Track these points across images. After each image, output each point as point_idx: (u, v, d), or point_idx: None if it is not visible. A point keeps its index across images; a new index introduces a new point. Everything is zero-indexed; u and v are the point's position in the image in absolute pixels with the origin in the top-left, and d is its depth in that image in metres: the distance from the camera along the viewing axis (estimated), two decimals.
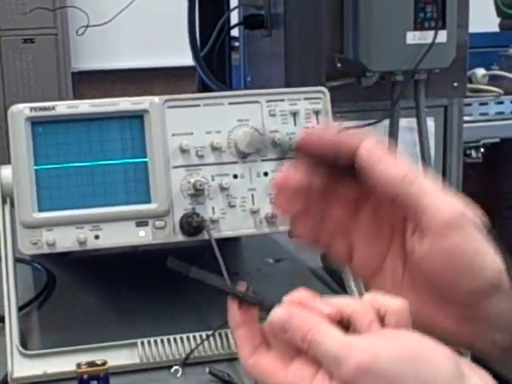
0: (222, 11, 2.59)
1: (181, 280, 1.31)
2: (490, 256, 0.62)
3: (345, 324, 0.55)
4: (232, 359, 1.05)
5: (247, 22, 2.49)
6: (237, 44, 2.78)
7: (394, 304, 0.56)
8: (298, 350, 0.55)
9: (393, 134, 2.20)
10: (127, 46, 4.69)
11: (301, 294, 0.58)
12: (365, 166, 0.63)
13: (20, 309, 1.11)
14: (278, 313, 0.56)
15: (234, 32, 2.72)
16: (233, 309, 0.59)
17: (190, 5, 2.48)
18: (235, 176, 1.08)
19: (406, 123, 2.27)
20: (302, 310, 0.56)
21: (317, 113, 1.12)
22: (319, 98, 1.12)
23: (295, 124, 1.11)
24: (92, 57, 4.72)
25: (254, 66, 2.60)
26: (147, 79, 4.82)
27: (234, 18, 2.66)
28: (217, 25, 2.60)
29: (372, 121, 2.21)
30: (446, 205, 0.61)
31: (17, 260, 1.29)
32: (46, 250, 1.03)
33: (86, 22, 2.60)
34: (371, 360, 0.52)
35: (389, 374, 0.52)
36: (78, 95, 4.54)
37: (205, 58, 2.57)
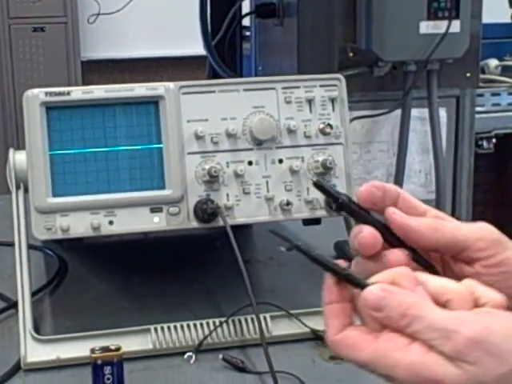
0: (233, 0, 2.58)
1: (193, 267, 1.32)
2: None
3: (440, 304, 0.56)
4: (245, 346, 1.04)
5: (259, 11, 2.48)
6: (248, 33, 2.77)
7: (496, 296, 0.57)
8: (391, 329, 0.56)
9: (404, 124, 2.19)
10: (137, 35, 4.67)
11: (398, 271, 0.58)
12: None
13: (33, 295, 1.11)
14: (373, 290, 0.57)
15: (246, 21, 2.71)
16: (330, 284, 0.59)
17: None
18: (250, 163, 1.08)
19: (418, 113, 2.27)
20: (397, 287, 0.56)
21: (332, 100, 1.11)
22: (335, 85, 1.12)
23: (311, 111, 1.10)
24: (101, 46, 4.71)
25: (265, 55, 2.59)
26: (156, 69, 4.81)
27: (246, 7, 2.65)
28: (228, 14, 2.59)
29: (384, 111, 2.20)
30: (479, 229, 0.63)
31: (30, 247, 1.29)
32: (59, 236, 1.02)
33: (97, 10, 2.59)
34: (483, 332, 0.53)
35: (499, 347, 0.53)
36: (87, 84, 4.52)
37: (216, 47, 2.57)
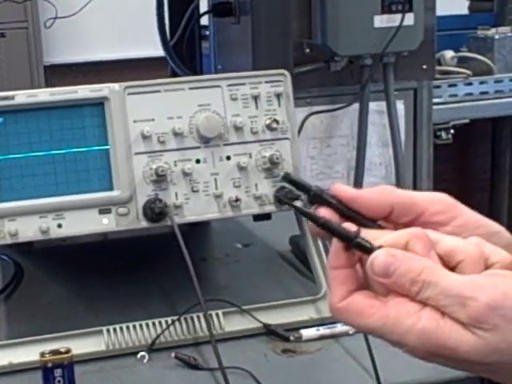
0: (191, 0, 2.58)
1: (149, 267, 1.32)
2: None
3: (451, 266, 0.55)
4: (198, 343, 1.05)
5: (216, 10, 2.48)
6: (207, 33, 2.77)
7: (505, 256, 0.55)
8: (399, 294, 0.54)
9: (363, 117, 2.21)
10: (98, 38, 4.66)
11: (413, 233, 0.56)
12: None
13: None
14: (380, 255, 0.55)
15: (204, 21, 2.71)
16: (337, 249, 0.57)
17: None
18: (198, 161, 1.08)
19: (376, 106, 2.28)
20: (406, 252, 0.55)
21: (278, 96, 1.12)
22: (280, 81, 1.12)
23: (257, 107, 1.11)
24: (64, 50, 4.69)
25: (224, 54, 2.59)
26: (120, 71, 4.79)
27: (204, 6, 2.65)
28: (186, 13, 2.59)
29: (342, 105, 2.22)
30: (435, 194, 0.61)
31: None
32: (8, 241, 1.02)
33: (54, 14, 2.58)
34: (501, 298, 0.52)
35: None
36: None
37: (175, 47, 2.56)
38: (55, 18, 2.61)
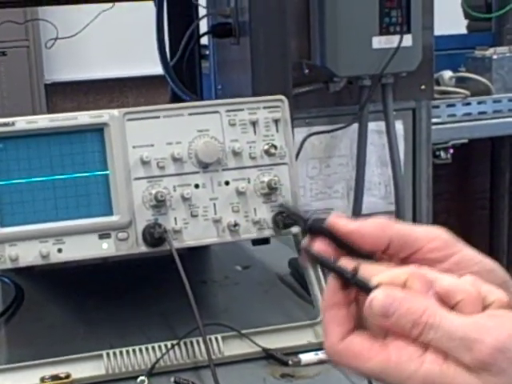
0: (191, 20, 2.60)
1: (149, 290, 1.32)
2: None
3: (449, 306, 0.53)
4: (197, 367, 1.05)
5: (216, 31, 2.50)
6: (207, 52, 2.78)
7: (500, 295, 0.54)
8: (398, 335, 0.53)
9: (362, 137, 2.22)
10: (99, 57, 4.69)
11: (410, 272, 0.54)
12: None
13: None
14: (379, 295, 0.53)
15: (204, 41, 2.73)
16: (334, 288, 0.56)
17: (158, 13, 2.49)
18: (197, 186, 1.09)
19: (375, 126, 2.30)
20: (406, 292, 0.53)
21: (276, 121, 1.13)
22: (278, 107, 1.14)
23: (255, 133, 1.12)
24: (65, 68, 4.72)
25: (224, 74, 2.61)
26: (120, 89, 4.82)
27: (204, 27, 2.67)
28: (186, 34, 2.61)
29: (341, 125, 2.23)
30: (432, 230, 0.60)
31: None
32: (9, 265, 1.03)
33: (55, 34, 2.60)
34: (507, 339, 0.50)
35: None
36: (51, 106, 4.53)
37: (175, 67, 2.58)
38: (56, 39, 2.62)
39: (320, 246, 0.58)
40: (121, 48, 4.70)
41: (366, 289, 0.54)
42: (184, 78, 2.61)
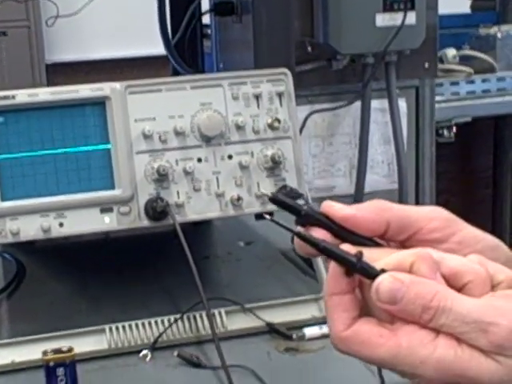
0: None
1: (151, 265, 1.32)
2: None
3: (457, 287, 0.52)
4: (201, 341, 1.05)
5: (218, 9, 2.48)
6: (209, 31, 2.77)
7: (509, 273, 0.52)
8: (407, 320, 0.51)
9: (365, 115, 2.21)
10: (100, 37, 4.66)
11: (416, 254, 0.52)
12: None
13: None
14: (385, 281, 0.51)
15: (206, 19, 2.71)
16: (337, 274, 0.53)
17: None
18: (199, 160, 1.08)
19: (378, 104, 2.28)
20: (413, 275, 0.51)
21: (280, 95, 1.12)
22: (282, 80, 1.12)
23: (258, 106, 1.11)
24: (65, 48, 4.69)
25: (226, 52, 2.59)
26: (121, 70, 4.80)
27: (206, 5, 2.65)
28: (187, 12, 2.59)
29: (344, 103, 2.22)
30: (431, 210, 0.58)
31: None
32: (10, 239, 1.02)
33: (55, 12, 2.58)
34: None
35: None
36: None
37: (176, 45, 2.56)
38: (57, 17, 2.60)
39: (318, 234, 0.55)
40: (121, 27, 4.67)
41: (371, 274, 0.52)
42: (186, 56, 2.60)
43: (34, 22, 4.36)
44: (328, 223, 0.56)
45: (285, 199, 0.58)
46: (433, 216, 0.57)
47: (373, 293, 0.51)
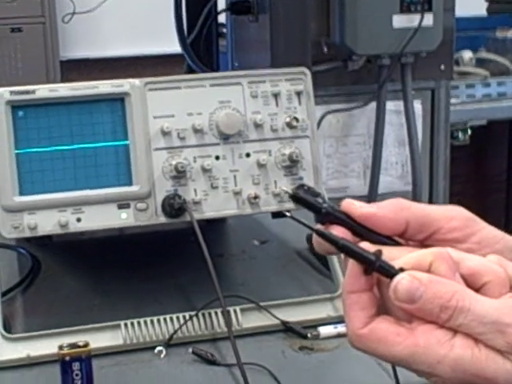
0: None
1: (166, 262, 1.32)
2: None
3: (475, 287, 0.52)
4: (215, 339, 1.05)
5: (234, 8, 2.48)
6: (224, 30, 2.77)
7: None
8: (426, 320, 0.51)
9: (380, 117, 2.20)
10: (114, 34, 4.67)
11: (435, 253, 0.52)
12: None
13: (4, 293, 1.11)
14: (403, 280, 0.51)
15: (222, 18, 2.72)
16: (356, 273, 0.53)
17: None
18: (217, 157, 1.08)
19: (394, 106, 2.28)
20: (432, 275, 0.51)
21: (298, 94, 1.12)
22: (301, 79, 1.12)
23: (277, 105, 1.11)
24: (80, 45, 4.70)
25: (241, 52, 2.60)
26: (135, 68, 4.80)
27: (222, 4, 2.65)
28: (203, 11, 2.59)
29: (359, 104, 2.21)
30: (451, 209, 0.58)
31: (2, 246, 1.29)
32: (27, 234, 1.03)
33: (72, 9, 2.59)
34: None
35: None
36: None
37: (192, 44, 2.57)
38: (73, 14, 2.61)
39: (337, 232, 0.56)
40: (136, 25, 4.68)
41: (389, 273, 0.52)
42: (201, 55, 2.60)
43: (49, 19, 4.37)
44: (348, 221, 0.56)
45: (306, 196, 0.58)
46: (452, 215, 0.57)
47: (391, 291, 0.51)
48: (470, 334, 0.50)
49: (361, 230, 0.56)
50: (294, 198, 0.59)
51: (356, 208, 0.56)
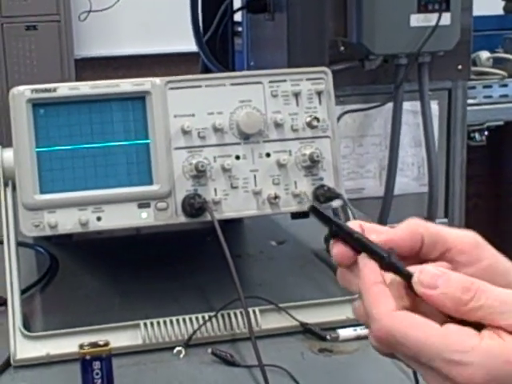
0: None
1: (184, 262, 1.32)
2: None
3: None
4: (235, 340, 1.05)
5: (250, 6, 2.48)
6: (240, 29, 2.76)
7: None
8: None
9: (396, 117, 2.19)
10: (129, 33, 4.67)
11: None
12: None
13: (23, 291, 1.11)
14: (428, 267, 0.55)
15: (237, 17, 2.71)
16: (374, 267, 0.56)
17: None
18: (237, 157, 1.08)
19: (410, 106, 2.26)
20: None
21: (319, 93, 1.11)
22: (322, 79, 1.12)
23: (297, 104, 1.10)
24: (95, 43, 4.71)
25: (257, 50, 2.59)
26: (150, 66, 4.80)
27: (238, 2, 2.65)
28: (219, 9, 2.59)
29: (375, 104, 2.20)
30: (464, 231, 0.61)
31: (20, 244, 1.29)
32: (47, 232, 1.03)
33: (88, 7, 2.59)
34: None
35: None
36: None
37: (208, 43, 2.56)
38: (89, 12, 2.61)
39: (336, 251, 0.60)
40: (151, 23, 4.68)
41: (398, 269, 0.55)
42: (217, 53, 2.60)
43: (64, 17, 4.37)
44: (363, 240, 0.58)
45: (324, 212, 0.61)
46: (463, 237, 0.59)
47: (415, 279, 0.54)
48: (492, 320, 0.52)
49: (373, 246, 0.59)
50: (313, 211, 0.61)
51: (372, 236, 0.59)
